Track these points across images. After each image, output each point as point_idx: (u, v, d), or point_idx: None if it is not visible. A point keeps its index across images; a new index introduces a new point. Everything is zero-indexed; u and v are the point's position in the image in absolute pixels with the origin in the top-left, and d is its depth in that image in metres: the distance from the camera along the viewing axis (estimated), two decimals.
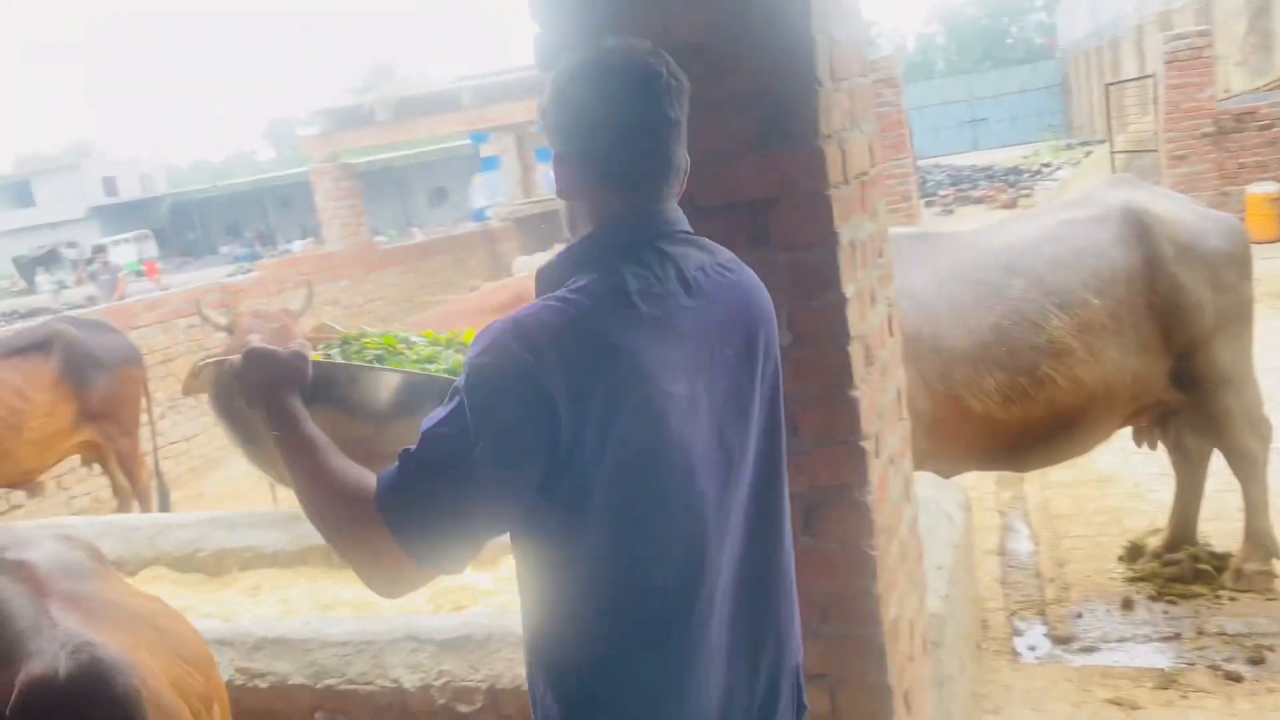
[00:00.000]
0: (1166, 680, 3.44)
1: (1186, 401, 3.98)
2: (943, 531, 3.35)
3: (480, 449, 1.30)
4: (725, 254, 1.54)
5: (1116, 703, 3.36)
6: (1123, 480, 5.27)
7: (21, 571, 1.87)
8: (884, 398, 2.26)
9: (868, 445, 2.09)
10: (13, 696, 1.55)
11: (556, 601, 1.40)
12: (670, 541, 1.38)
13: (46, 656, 1.61)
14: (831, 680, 2.15)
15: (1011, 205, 17.85)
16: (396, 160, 39.74)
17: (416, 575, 1.37)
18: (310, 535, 4.22)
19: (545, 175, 18.28)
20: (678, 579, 1.39)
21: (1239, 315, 3.97)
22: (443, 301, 12.02)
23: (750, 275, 1.56)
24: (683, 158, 1.48)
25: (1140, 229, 3.86)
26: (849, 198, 2.09)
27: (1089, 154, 22.00)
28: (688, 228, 1.50)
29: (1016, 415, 3.77)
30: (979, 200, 19.90)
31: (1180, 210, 4.05)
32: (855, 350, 2.07)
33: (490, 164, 22.87)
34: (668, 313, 1.39)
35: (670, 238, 1.46)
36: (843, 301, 2.01)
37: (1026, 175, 22.49)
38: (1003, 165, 25.04)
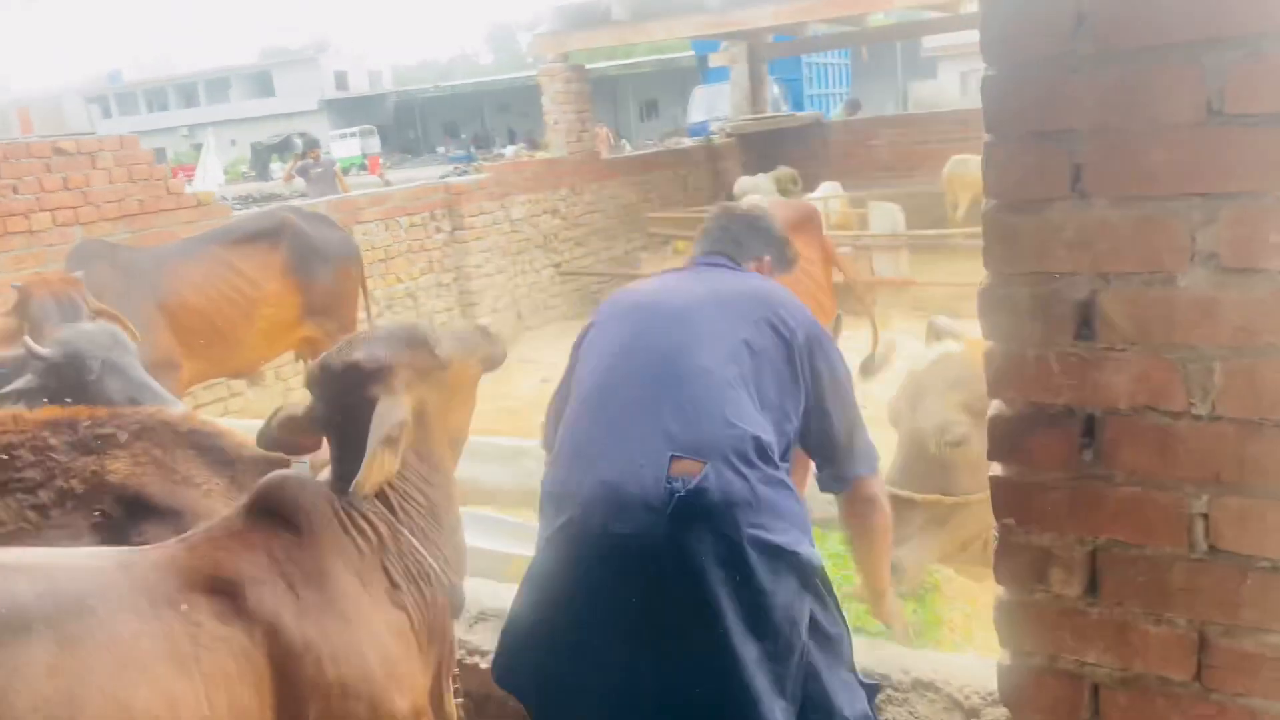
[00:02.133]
0: None
1: None
2: None
3: None
4: None
5: None
6: None
7: None
8: None
9: None
10: None
11: None
12: None
13: None
14: None
15: None
16: (612, 70, 39.31)
17: None
18: (536, 474, 3.81)
19: (770, 90, 17.26)
20: None
21: None
22: (664, 218, 11.46)
23: None
24: None
25: None
26: None
27: None
28: None
29: None
30: None
31: None
32: None
33: (715, 75, 21.98)
34: None
35: None
36: None
37: None
38: None
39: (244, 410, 7.20)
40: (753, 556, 1.85)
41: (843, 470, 2.25)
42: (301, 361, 6.53)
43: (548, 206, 10.45)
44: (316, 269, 5.88)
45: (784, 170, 14.07)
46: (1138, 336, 1.43)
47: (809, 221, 4.68)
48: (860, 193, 12.21)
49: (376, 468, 1.79)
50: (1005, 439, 1.57)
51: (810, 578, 1.95)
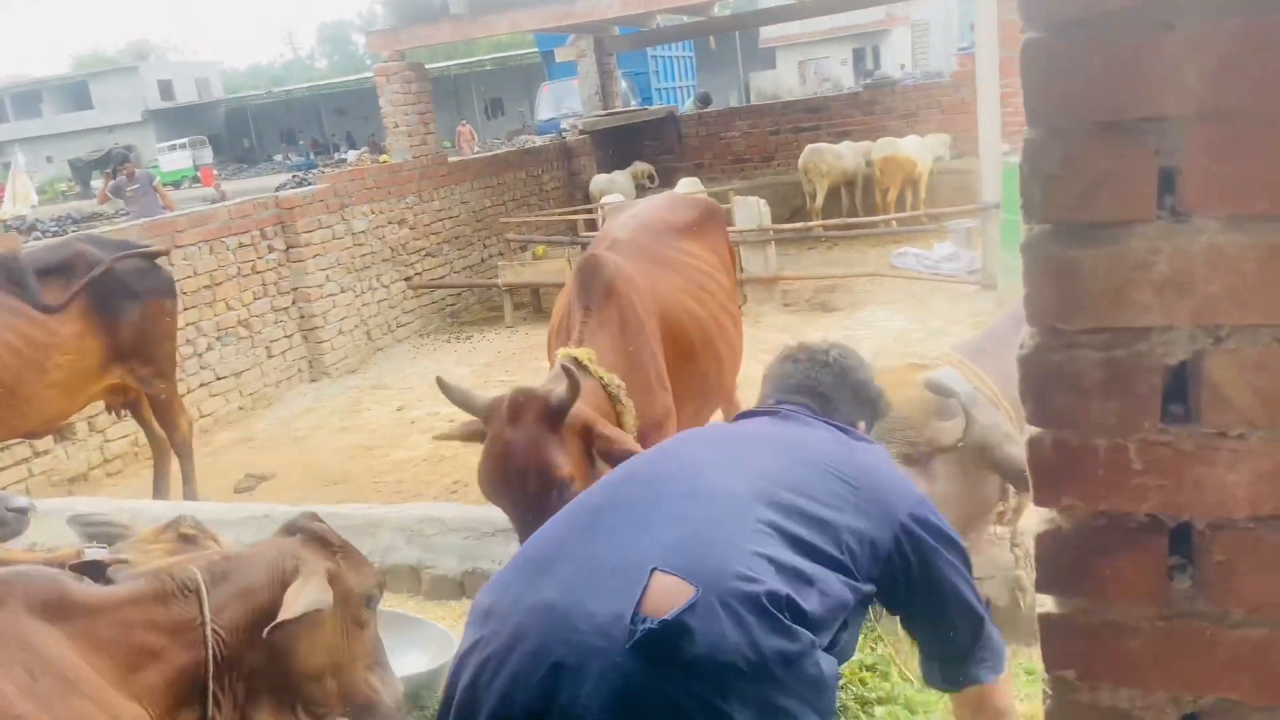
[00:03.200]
0: None
1: None
2: None
3: None
4: None
5: None
6: None
7: None
8: None
9: None
10: None
11: None
12: None
13: None
14: None
15: None
16: (453, 69, 38.29)
17: None
18: (396, 550, 3.26)
19: (627, 84, 16.88)
20: None
21: None
22: (521, 223, 10.85)
23: None
24: None
25: None
26: None
27: None
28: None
29: None
30: None
31: None
32: None
33: (562, 71, 21.45)
34: None
35: None
36: None
37: None
38: None
39: (51, 470, 6.26)
40: None
41: (960, 673, 1.77)
42: (114, 414, 5.67)
43: (393, 216, 9.68)
44: (122, 306, 5.06)
45: (640, 166, 13.67)
46: (1264, 417, 0.97)
47: (712, 220, 4.20)
48: (720, 187, 11.90)
49: None
50: (1063, 563, 1.09)
51: None
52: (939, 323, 7.57)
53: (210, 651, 1.73)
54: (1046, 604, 1.12)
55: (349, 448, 6.69)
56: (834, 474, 1.61)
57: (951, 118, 12.66)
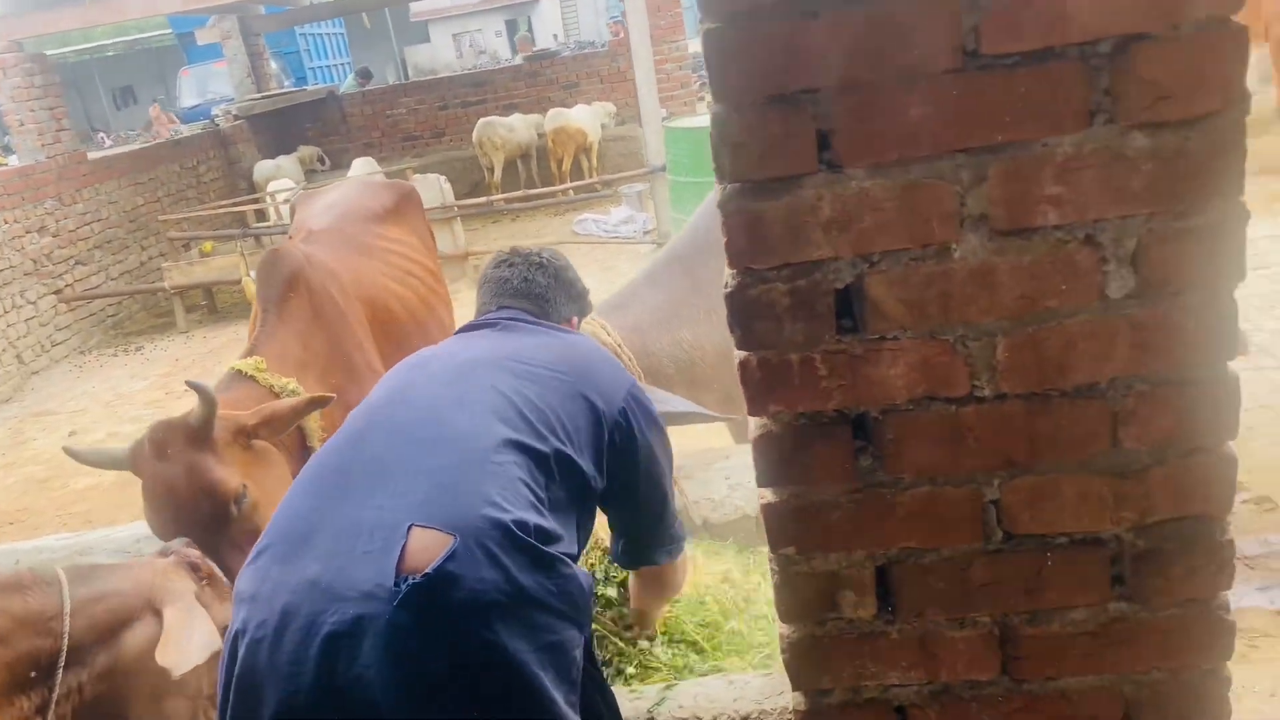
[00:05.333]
0: None
1: None
2: None
3: None
4: None
5: None
6: None
7: None
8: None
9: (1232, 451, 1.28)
10: None
11: None
12: None
13: None
14: None
15: None
16: (72, 56, 34.53)
17: None
18: None
19: (278, 65, 16.09)
20: None
21: None
22: (182, 219, 10.13)
23: None
24: None
25: None
26: None
27: None
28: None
29: None
30: None
31: None
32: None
33: (203, 54, 20.01)
34: None
35: None
36: (1242, 214, 1.16)
37: None
38: None
39: None
40: (500, 672, 1.46)
41: (643, 555, 1.96)
42: None
43: (31, 224, 8.73)
44: None
45: (307, 149, 13.17)
46: (911, 321, 1.24)
47: (409, 202, 4.18)
48: (396, 166, 11.73)
49: None
50: (776, 460, 1.32)
51: (570, 671, 1.59)
52: (624, 283, 7.97)
53: (65, 643, 1.78)
54: (767, 495, 1.35)
55: (20, 483, 6.07)
56: (556, 375, 1.76)
57: (611, 86, 13.22)
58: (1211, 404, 1.23)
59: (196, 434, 2.52)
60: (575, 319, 2.15)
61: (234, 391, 2.86)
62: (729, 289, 1.26)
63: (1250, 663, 2.86)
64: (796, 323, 1.25)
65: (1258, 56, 9.94)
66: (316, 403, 2.69)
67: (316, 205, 3.96)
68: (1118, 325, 1.20)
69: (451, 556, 1.44)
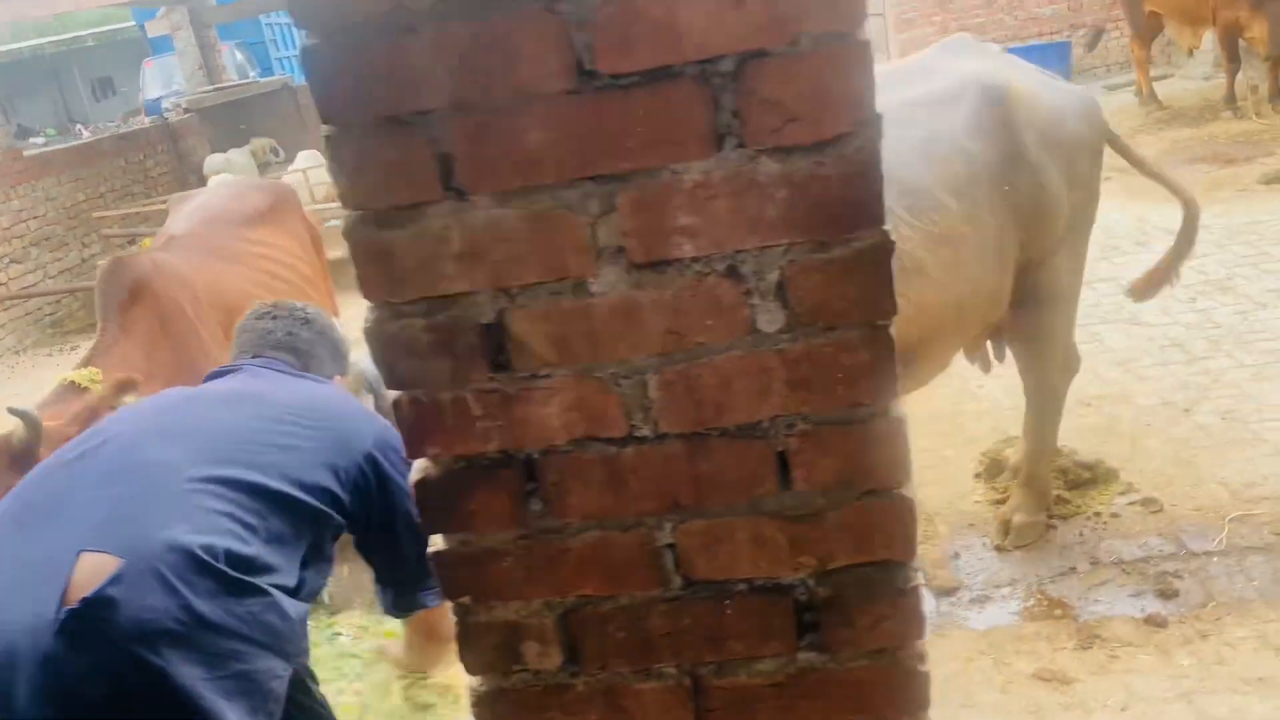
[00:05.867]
0: (1087, 637, 2.92)
1: (1011, 322, 3.37)
2: None
3: None
4: None
5: (1044, 678, 2.79)
6: (949, 379, 4.78)
7: None
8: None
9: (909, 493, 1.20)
10: None
11: None
12: None
13: None
14: None
15: None
16: (49, 46, 34.19)
17: None
18: None
19: (231, 57, 15.91)
20: None
21: (1087, 218, 3.37)
22: (122, 215, 10.00)
23: None
24: None
25: (1000, 110, 3.12)
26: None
27: None
28: None
29: None
30: None
31: (1037, 84, 3.34)
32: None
33: (164, 45, 19.77)
34: None
35: None
36: (886, 246, 1.08)
37: None
38: None
39: None
40: (169, 700, 1.39)
41: (412, 599, 1.92)
42: None
43: None
44: None
45: (260, 141, 12.96)
46: (559, 358, 1.15)
47: (285, 204, 4.08)
48: None
49: None
50: (439, 506, 1.24)
51: (266, 702, 1.52)
52: None
53: None
54: (436, 543, 1.27)
55: None
56: (293, 417, 1.70)
57: None
58: (878, 445, 1.15)
59: (20, 454, 2.49)
60: (337, 378, 2.10)
61: (66, 404, 2.79)
62: (366, 324, 1.17)
63: (1108, 674, 2.81)
64: (441, 360, 1.16)
65: (1211, 42, 9.89)
66: (124, 386, 2.64)
67: (186, 208, 3.86)
68: (771, 361, 1.12)
69: (116, 581, 1.39)
